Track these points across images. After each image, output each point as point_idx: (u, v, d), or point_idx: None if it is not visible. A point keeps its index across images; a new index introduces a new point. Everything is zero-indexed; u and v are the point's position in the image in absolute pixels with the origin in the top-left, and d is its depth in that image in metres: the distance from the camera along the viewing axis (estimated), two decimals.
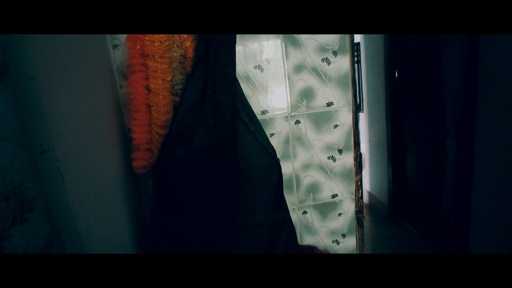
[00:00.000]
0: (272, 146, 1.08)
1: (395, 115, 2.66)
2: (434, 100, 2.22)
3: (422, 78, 2.34)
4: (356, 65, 5.32)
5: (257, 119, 1.08)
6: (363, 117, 3.26)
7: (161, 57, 1.04)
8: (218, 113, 1.00)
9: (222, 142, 1.00)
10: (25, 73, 0.67)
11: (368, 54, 2.94)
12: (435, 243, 2.43)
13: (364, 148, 3.43)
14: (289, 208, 1.17)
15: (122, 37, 1.14)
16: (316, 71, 1.28)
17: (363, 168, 3.79)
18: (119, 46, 1.15)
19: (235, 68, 0.99)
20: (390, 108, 2.68)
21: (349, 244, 1.49)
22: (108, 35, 1.13)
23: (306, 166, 1.36)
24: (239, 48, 1.21)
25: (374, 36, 2.76)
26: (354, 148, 1.38)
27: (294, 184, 1.37)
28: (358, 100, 1.32)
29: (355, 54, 5.11)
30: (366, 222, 2.95)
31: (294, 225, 1.40)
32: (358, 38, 4.53)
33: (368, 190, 3.30)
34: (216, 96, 0.99)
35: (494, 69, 1.66)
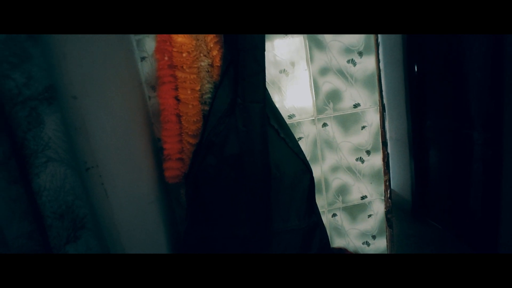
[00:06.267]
0: (303, 151, 1.08)
1: (416, 111, 2.61)
2: (457, 94, 2.17)
3: (443, 71, 2.29)
4: None
5: (287, 124, 1.08)
6: None
7: (189, 68, 1.05)
8: (248, 120, 1.00)
9: (253, 149, 1.01)
10: (68, 93, 0.68)
11: (386, 49, 2.89)
12: (462, 240, 2.38)
13: None
14: (319, 211, 1.16)
15: (150, 49, 1.16)
16: (341, 73, 1.27)
17: None
18: (147, 58, 1.17)
19: (264, 75, 0.99)
20: (410, 104, 2.63)
21: (379, 246, 1.47)
22: (136, 48, 1.15)
23: (335, 169, 1.35)
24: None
25: None
26: (382, 148, 1.36)
27: (323, 187, 1.36)
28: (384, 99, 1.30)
29: None
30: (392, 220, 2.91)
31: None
32: None
33: (391, 187, 3.26)
34: (246, 104, 0.99)
35: None
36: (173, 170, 1.11)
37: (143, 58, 1.17)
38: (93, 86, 0.79)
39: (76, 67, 0.73)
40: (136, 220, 0.91)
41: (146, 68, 1.17)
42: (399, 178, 3.05)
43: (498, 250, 2.02)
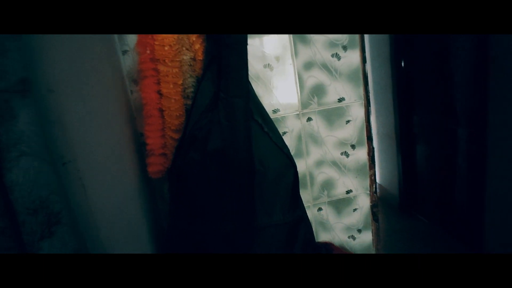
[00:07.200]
0: (287, 146, 1.08)
1: (403, 106, 2.63)
2: (443, 89, 2.20)
3: (430, 67, 2.31)
4: None
5: (271, 119, 1.08)
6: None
7: (172, 61, 1.03)
8: (232, 115, 0.99)
9: (237, 144, 1.00)
10: (44, 87, 0.67)
11: (372, 44, 2.90)
12: (449, 234, 2.42)
13: None
14: (304, 206, 1.17)
15: (131, 43, 1.14)
16: (326, 67, 1.27)
17: None
18: (129, 51, 1.15)
19: (247, 70, 0.98)
20: (397, 99, 2.66)
21: (365, 239, 1.48)
22: (117, 41, 1.13)
23: (320, 163, 1.36)
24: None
25: None
26: (367, 143, 1.37)
27: (308, 181, 1.37)
28: (369, 94, 1.31)
29: None
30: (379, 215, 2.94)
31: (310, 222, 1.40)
32: None
33: (378, 182, 3.29)
34: (229, 98, 0.99)
35: (506, 55, 1.63)
36: (156, 165, 1.10)
37: (125, 52, 1.15)
38: (71, 79, 0.78)
39: (53, 60, 0.71)
40: (117, 215, 0.90)
41: (128, 62, 1.16)
42: (386, 173, 3.08)
43: (483, 243, 2.06)
